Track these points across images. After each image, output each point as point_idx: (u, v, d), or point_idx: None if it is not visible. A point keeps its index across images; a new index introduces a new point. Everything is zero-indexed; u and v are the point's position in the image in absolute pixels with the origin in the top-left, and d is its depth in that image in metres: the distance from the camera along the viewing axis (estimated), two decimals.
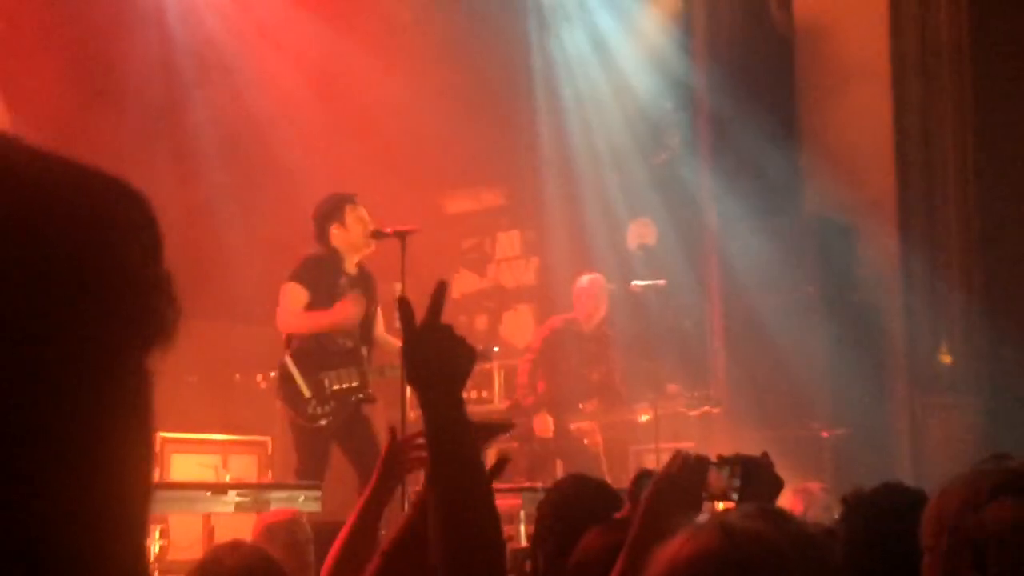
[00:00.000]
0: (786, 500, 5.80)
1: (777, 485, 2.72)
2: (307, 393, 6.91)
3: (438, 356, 1.97)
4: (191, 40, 10.12)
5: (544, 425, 8.58)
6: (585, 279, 8.82)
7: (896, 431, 9.06)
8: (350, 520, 2.59)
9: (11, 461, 0.66)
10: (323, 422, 6.91)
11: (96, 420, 0.69)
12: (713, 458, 2.63)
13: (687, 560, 1.55)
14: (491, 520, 1.92)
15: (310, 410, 6.91)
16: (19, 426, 0.66)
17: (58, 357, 0.68)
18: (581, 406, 8.77)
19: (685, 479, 2.48)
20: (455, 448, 1.94)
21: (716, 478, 2.60)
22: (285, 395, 7.03)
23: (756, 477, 2.65)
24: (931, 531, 2.24)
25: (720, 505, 2.68)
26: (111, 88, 9.56)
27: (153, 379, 0.74)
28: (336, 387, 6.94)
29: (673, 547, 1.58)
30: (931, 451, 8.80)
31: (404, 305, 2.04)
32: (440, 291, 2.04)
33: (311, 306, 6.99)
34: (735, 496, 2.61)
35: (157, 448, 6.79)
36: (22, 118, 8.31)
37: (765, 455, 2.73)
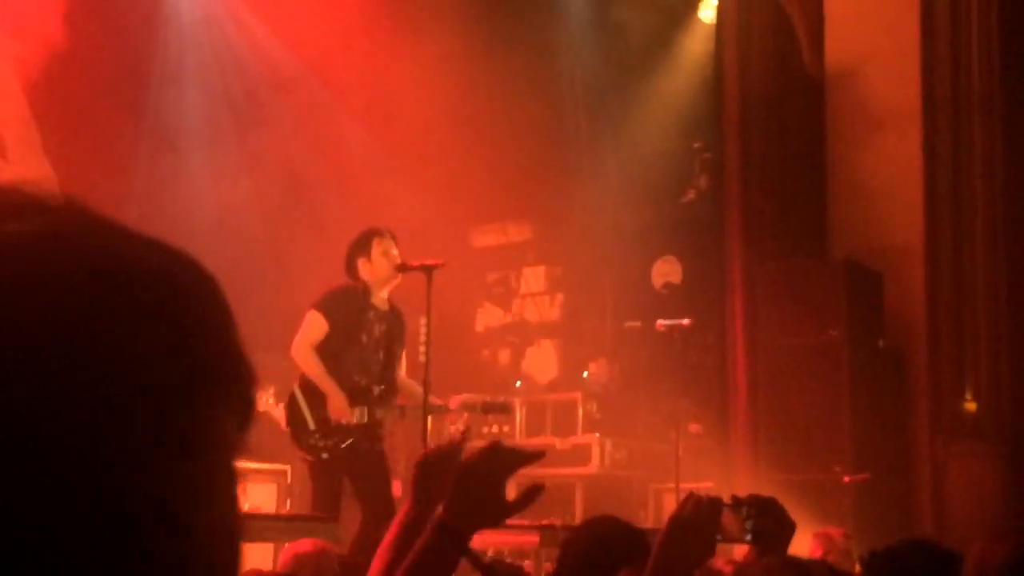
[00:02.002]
0: (806, 545, 5.76)
1: (790, 528, 2.70)
2: (311, 425, 6.90)
3: (481, 500, 2.13)
4: (236, 75, 10.21)
5: None
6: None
7: (918, 477, 9.00)
8: (385, 542, 2.54)
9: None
10: (324, 455, 6.89)
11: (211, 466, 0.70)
12: (727, 500, 2.61)
13: None
14: None
15: (312, 442, 6.88)
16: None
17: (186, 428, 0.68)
18: None
19: (699, 521, 2.46)
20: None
21: (730, 520, 2.58)
22: (290, 424, 7.02)
23: (769, 519, 2.64)
24: None
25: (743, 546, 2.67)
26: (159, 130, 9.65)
27: (238, 478, 0.72)
28: (343, 422, 6.90)
29: None
30: (953, 498, 8.73)
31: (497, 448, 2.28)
32: (536, 492, 2.25)
33: (330, 338, 6.95)
34: (749, 538, 2.60)
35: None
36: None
37: (774, 500, 2.72)
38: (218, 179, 10.03)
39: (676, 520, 2.45)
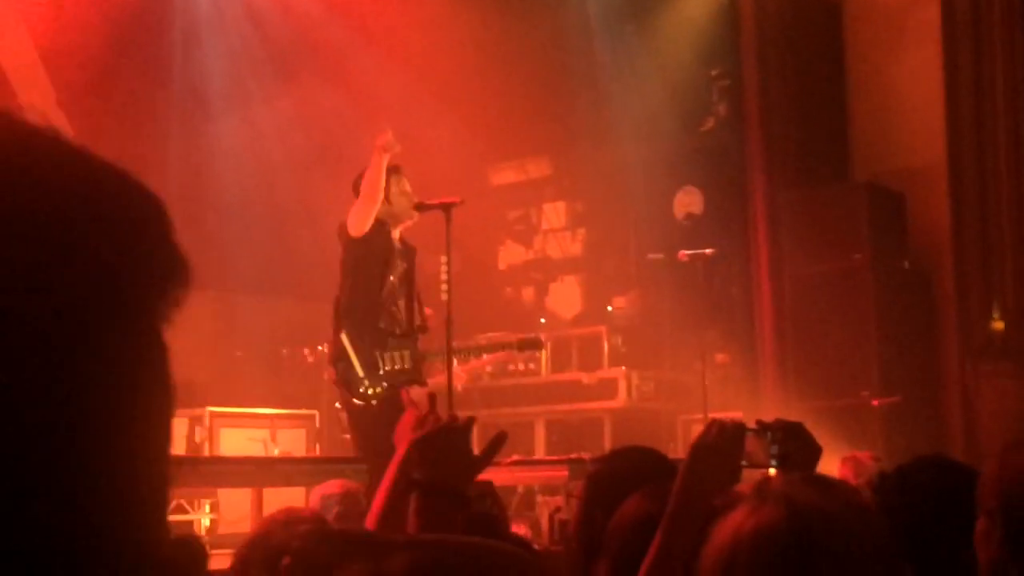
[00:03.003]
0: (835, 469, 5.76)
1: (816, 451, 2.68)
2: (360, 372, 6.79)
3: (450, 456, 2.15)
4: (257, 28, 10.16)
5: None
6: None
7: (947, 399, 8.97)
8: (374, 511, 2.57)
9: (31, 422, 0.70)
10: (374, 402, 6.78)
11: (116, 380, 0.75)
12: (752, 425, 2.59)
13: (751, 534, 1.54)
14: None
15: (362, 389, 6.77)
16: (42, 387, 0.71)
17: (84, 314, 0.73)
18: None
19: (723, 447, 2.43)
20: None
21: (754, 445, 2.55)
22: (338, 373, 6.90)
23: (795, 444, 2.61)
24: (990, 494, 2.20)
25: (769, 471, 2.64)
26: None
27: (169, 350, 0.80)
28: (389, 368, 6.80)
29: (735, 520, 1.57)
30: (983, 419, 8.71)
31: (431, 399, 2.32)
32: (500, 441, 2.23)
33: (361, 265, 6.81)
34: (774, 463, 2.58)
35: (207, 423, 6.81)
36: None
37: (799, 424, 2.69)
38: (248, 135, 9.99)
39: (699, 445, 2.42)
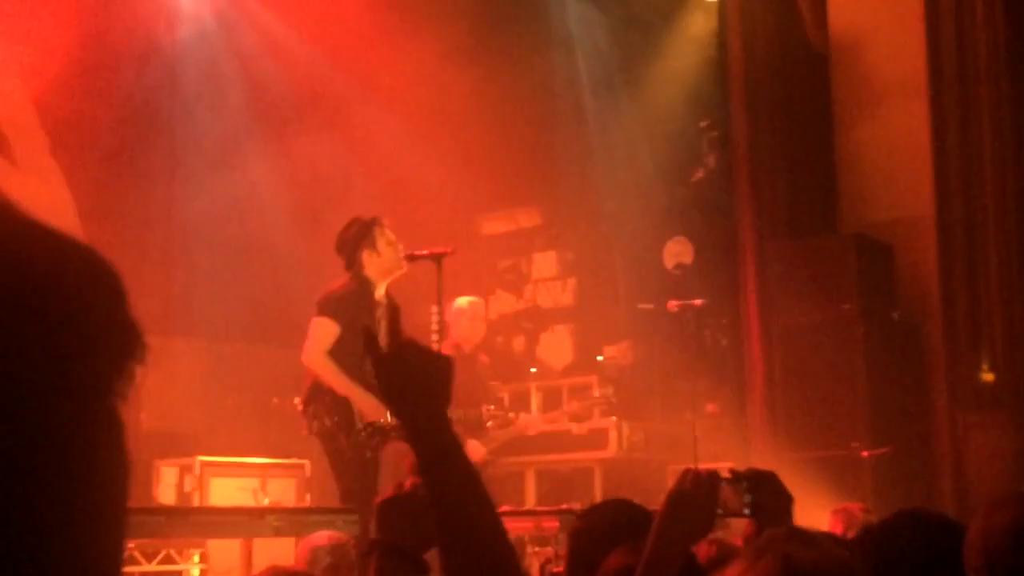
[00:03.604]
0: (825, 520, 5.76)
1: (788, 500, 2.71)
2: (359, 424, 6.74)
3: (413, 378, 1.87)
4: (251, 78, 10.23)
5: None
6: (465, 301, 8.53)
7: (937, 450, 8.98)
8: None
9: None
10: (368, 454, 6.68)
11: (72, 452, 0.75)
12: (725, 473, 2.62)
13: None
14: (501, 538, 1.88)
15: (361, 439, 6.67)
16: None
17: (37, 391, 0.73)
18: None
19: (698, 496, 2.45)
20: (453, 472, 1.87)
21: (729, 494, 2.59)
22: (336, 421, 6.83)
23: (768, 493, 2.65)
24: (976, 552, 2.21)
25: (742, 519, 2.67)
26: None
27: (123, 427, 0.80)
28: (379, 421, 6.74)
29: (732, 574, 1.58)
30: (973, 470, 8.72)
31: (368, 335, 1.97)
32: (394, 314, 1.99)
33: (344, 339, 6.81)
34: (747, 512, 2.61)
35: (197, 471, 6.77)
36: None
37: (772, 473, 2.72)
38: (242, 185, 10.02)
39: (675, 494, 2.45)
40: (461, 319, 8.27)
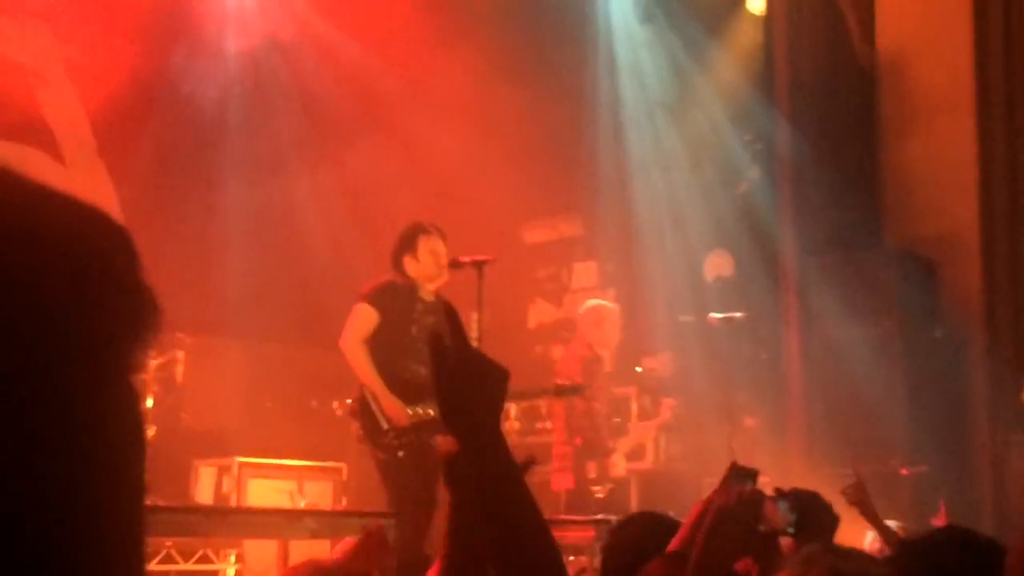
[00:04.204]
0: (863, 537, 5.72)
1: (833, 520, 2.72)
2: (385, 425, 6.78)
3: (472, 388, 1.79)
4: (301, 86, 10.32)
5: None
6: (597, 303, 8.57)
7: (977, 470, 8.91)
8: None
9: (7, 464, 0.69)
10: (400, 453, 6.74)
11: (88, 422, 0.73)
12: (770, 492, 2.63)
13: None
14: (553, 552, 1.83)
15: (387, 441, 6.73)
16: (16, 426, 0.70)
17: (53, 358, 0.71)
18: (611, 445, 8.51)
19: (741, 512, 2.47)
20: (510, 489, 1.80)
21: (773, 512, 2.60)
22: (363, 426, 6.85)
23: (812, 512, 2.66)
24: (1019, 570, 2.20)
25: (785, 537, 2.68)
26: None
27: (138, 397, 0.78)
28: (417, 420, 6.73)
29: None
30: (1013, 490, 8.64)
31: (436, 338, 1.80)
32: (452, 316, 1.83)
33: (381, 329, 6.86)
34: (791, 531, 2.62)
35: (235, 472, 6.82)
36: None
37: (816, 494, 2.74)
38: (288, 189, 10.11)
39: (720, 511, 2.46)
40: (594, 323, 8.35)
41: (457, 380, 1.79)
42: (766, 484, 2.74)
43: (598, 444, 8.33)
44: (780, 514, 2.60)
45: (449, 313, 1.84)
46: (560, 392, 7.65)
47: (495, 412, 1.81)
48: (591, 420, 8.29)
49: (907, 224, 9.63)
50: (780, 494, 2.64)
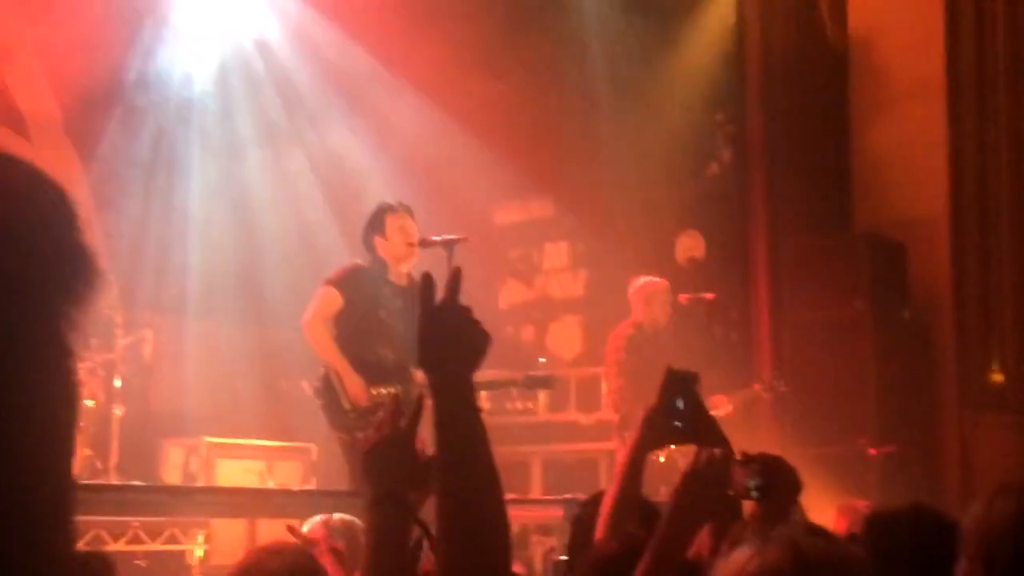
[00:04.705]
0: (831, 517, 5.75)
1: (796, 484, 2.76)
2: (347, 405, 6.79)
3: (454, 337, 1.88)
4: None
5: None
6: (646, 281, 8.60)
7: (945, 450, 8.97)
8: None
9: None
10: (359, 434, 6.71)
11: (16, 376, 0.73)
12: (737, 456, 2.66)
13: (755, 574, 1.57)
14: (500, 509, 1.86)
15: (347, 421, 6.75)
16: None
17: None
18: None
19: (710, 475, 2.51)
20: (466, 435, 1.85)
21: (739, 475, 2.64)
22: (325, 406, 6.88)
23: (777, 477, 2.69)
24: (975, 538, 2.21)
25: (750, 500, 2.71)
26: None
27: (72, 354, 0.77)
28: (379, 402, 6.70)
29: (739, 560, 1.60)
30: (980, 470, 8.70)
31: (427, 282, 1.90)
32: (456, 276, 1.92)
33: (347, 313, 6.87)
34: (755, 494, 2.65)
35: (203, 452, 6.77)
36: None
37: (780, 458, 2.78)
38: (260, 171, 10.05)
39: (688, 475, 2.49)
40: (645, 300, 8.35)
41: (440, 322, 1.87)
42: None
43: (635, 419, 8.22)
44: (746, 477, 2.63)
45: (453, 274, 1.92)
46: (530, 384, 7.66)
47: (471, 366, 1.87)
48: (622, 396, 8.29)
49: (878, 206, 9.66)
50: (746, 458, 2.67)
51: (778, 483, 2.67)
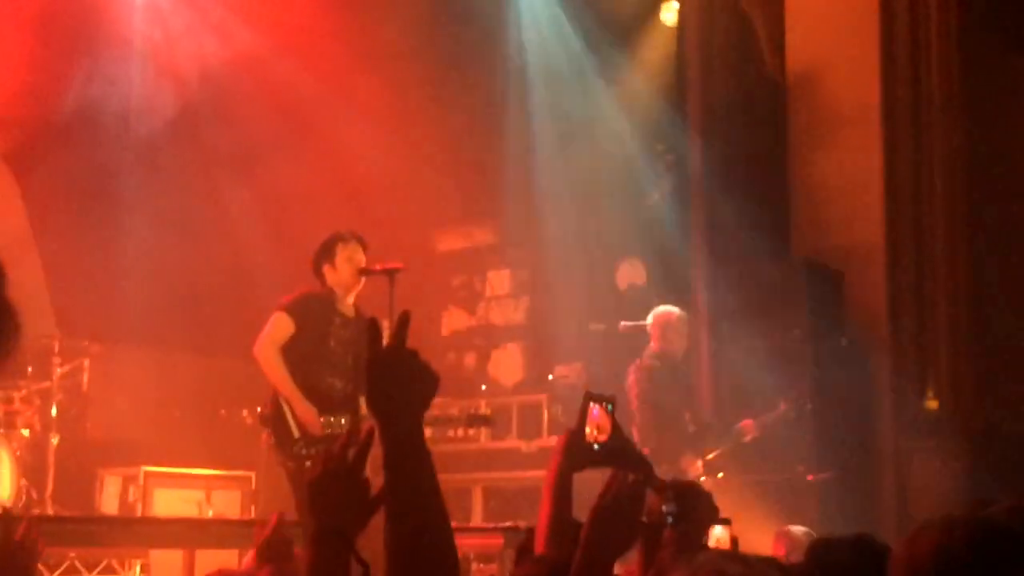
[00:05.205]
0: (768, 544, 5.79)
1: (712, 511, 2.76)
2: (296, 433, 6.74)
3: (402, 381, 1.88)
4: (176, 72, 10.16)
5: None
6: (666, 310, 8.53)
7: (881, 475, 9.05)
8: None
9: None
10: (309, 463, 6.67)
11: None
12: (656, 480, 2.66)
13: None
14: (449, 550, 1.87)
15: (296, 450, 6.69)
16: None
17: None
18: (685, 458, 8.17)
19: (624, 503, 2.48)
20: (415, 477, 1.87)
21: (656, 503, 2.63)
22: (274, 433, 6.81)
23: (691, 503, 2.69)
24: (901, 574, 2.23)
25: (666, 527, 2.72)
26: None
27: None
28: (328, 431, 6.69)
29: None
30: (916, 496, 8.79)
31: (373, 327, 1.93)
32: (404, 319, 1.93)
33: (298, 340, 6.84)
34: (671, 520, 2.65)
35: (141, 482, 6.71)
36: None
37: (695, 484, 2.80)
38: (198, 198, 9.97)
39: (601, 504, 2.46)
40: (661, 330, 8.27)
41: (388, 367, 1.89)
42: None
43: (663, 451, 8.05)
44: (661, 505, 2.63)
45: (401, 318, 1.93)
46: (472, 422, 7.65)
47: (419, 409, 1.89)
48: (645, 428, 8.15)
49: (816, 234, 9.76)
50: (661, 486, 2.67)
51: (693, 509, 2.68)
